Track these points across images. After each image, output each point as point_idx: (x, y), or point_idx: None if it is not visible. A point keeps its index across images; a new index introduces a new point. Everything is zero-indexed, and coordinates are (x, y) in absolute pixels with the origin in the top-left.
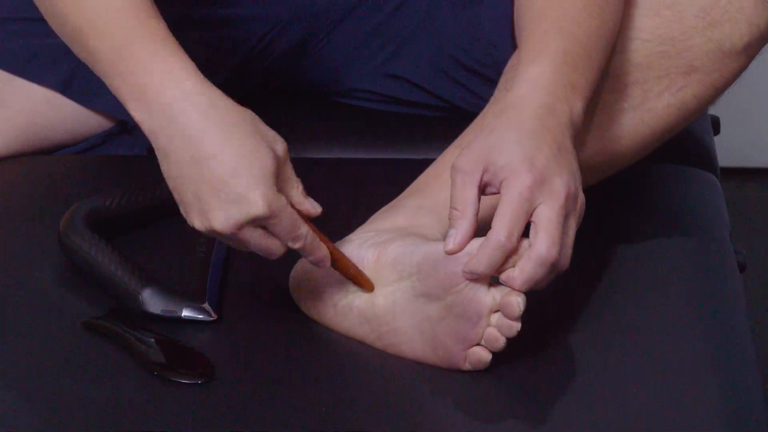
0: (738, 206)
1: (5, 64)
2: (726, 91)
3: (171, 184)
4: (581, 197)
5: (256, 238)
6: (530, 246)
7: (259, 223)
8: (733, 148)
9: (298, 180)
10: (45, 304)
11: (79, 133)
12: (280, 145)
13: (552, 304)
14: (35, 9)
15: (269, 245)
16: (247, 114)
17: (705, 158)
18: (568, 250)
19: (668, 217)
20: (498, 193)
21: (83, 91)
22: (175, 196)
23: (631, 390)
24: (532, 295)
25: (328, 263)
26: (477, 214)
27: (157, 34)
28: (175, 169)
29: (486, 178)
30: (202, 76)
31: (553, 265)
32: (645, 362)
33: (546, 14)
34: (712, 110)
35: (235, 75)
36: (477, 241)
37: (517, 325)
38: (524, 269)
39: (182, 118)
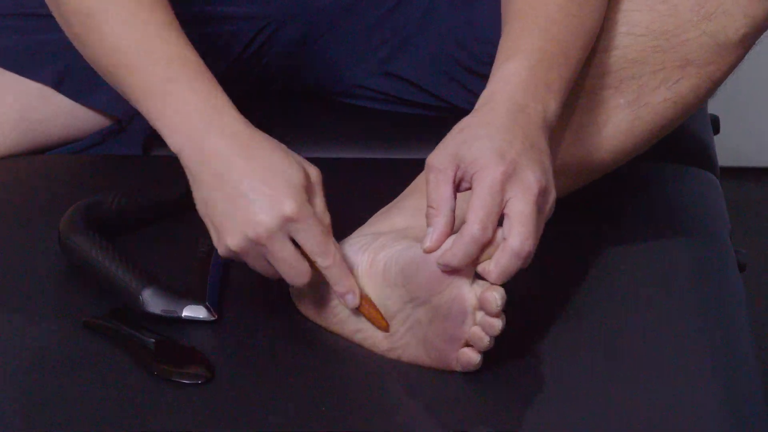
0: (738, 206)
1: None
2: (726, 91)
3: (202, 210)
4: (553, 195)
5: (286, 252)
6: (504, 239)
7: (290, 226)
8: (733, 148)
9: (328, 215)
10: (45, 304)
11: (73, 129)
12: (312, 169)
13: (551, 304)
14: (30, 4)
15: (298, 262)
16: (277, 141)
17: (705, 158)
18: (536, 244)
19: (668, 217)
20: (470, 189)
21: (77, 88)
22: (207, 222)
23: (631, 390)
24: (531, 294)
25: (357, 301)
26: (453, 210)
27: (185, 61)
28: (207, 194)
29: (459, 174)
30: (234, 107)
31: (527, 257)
32: (645, 362)
33: (523, 12)
34: (712, 109)
35: (232, 72)
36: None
37: (498, 323)
38: (499, 262)
39: (211, 141)
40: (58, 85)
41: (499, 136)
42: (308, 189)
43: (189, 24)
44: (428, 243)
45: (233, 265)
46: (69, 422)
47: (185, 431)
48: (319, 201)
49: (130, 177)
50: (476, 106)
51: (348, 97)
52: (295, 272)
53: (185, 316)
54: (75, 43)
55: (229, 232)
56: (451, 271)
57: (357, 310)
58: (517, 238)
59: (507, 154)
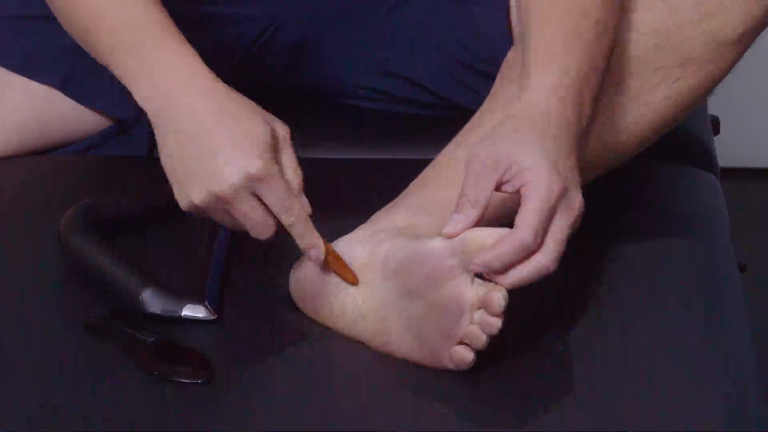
0: (738, 206)
1: (5, 61)
2: (726, 91)
3: (167, 164)
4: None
5: (251, 208)
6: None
7: (255, 185)
8: (733, 148)
9: (299, 171)
10: (45, 304)
11: (77, 131)
12: (280, 127)
13: (550, 304)
14: (36, 7)
15: (262, 218)
16: (248, 100)
17: (705, 158)
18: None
19: (668, 217)
20: (512, 193)
21: (82, 90)
22: (171, 178)
23: (630, 389)
24: (529, 293)
25: (321, 255)
26: (487, 207)
27: (163, 25)
28: (173, 148)
29: (507, 176)
30: (206, 66)
31: (546, 274)
32: (644, 362)
33: (551, 16)
34: (712, 110)
35: (234, 74)
36: (479, 231)
37: (497, 322)
38: (522, 271)
39: (184, 99)
40: (64, 88)
41: (554, 149)
42: (275, 147)
43: (192, 26)
44: (451, 228)
45: (233, 265)
46: (69, 422)
47: (185, 431)
48: (288, 158)
49: (130, 178)
50: (515, 112)
51: (349, 97)
52: (260, 227)
53: (185, 315)
54: (52, 8)
55: (193, 188)
56: (451, 268)
57: (325, 265)
58: (549, 256)
59: (561, 170)
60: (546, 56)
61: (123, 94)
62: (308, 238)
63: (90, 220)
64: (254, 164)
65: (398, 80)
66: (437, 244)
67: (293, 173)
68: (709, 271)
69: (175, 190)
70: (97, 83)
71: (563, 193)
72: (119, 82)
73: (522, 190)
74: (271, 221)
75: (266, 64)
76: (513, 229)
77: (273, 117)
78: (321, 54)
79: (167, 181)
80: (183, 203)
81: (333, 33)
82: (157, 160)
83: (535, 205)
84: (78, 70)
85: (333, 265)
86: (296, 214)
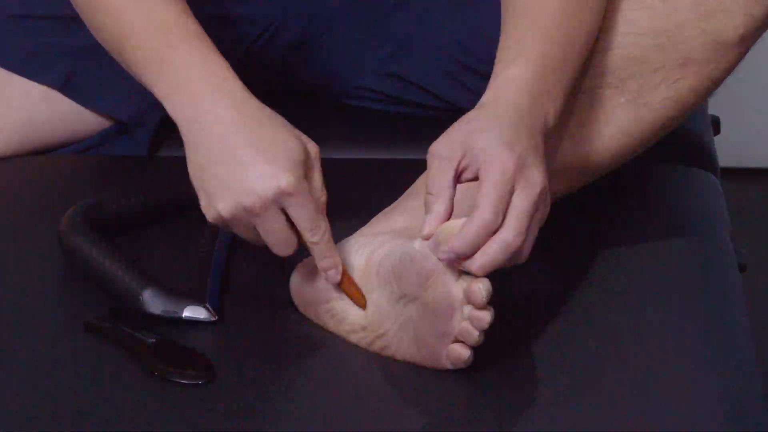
0: (738, 206)
1: (5, 61)
2: (726, 91)
3: (196, 174)
4: (549, 200)
5: (277, 224)
6: (497, 230)
7: (285, 200)
8: (733, 148)
9: (325, 191)
10: (45, 304)
11: (77, 132)
12: (311, 145)
13: (550, 304)
14: (36, 7)
15: (287, 235)
16: (279, 116)
17: (705, 158)
18: (531, 244)
19: (668, 217)
20: (474, 179)
21: (82, 90)
22: (198, 188)
23: (630, 390)
24: (529, 293)
25: (338, 277)
26: (452, 199)
27: (195, 33)
28: (204, 158)
29: (464, 163)
30: (236, 76)
31: (515, 255)
32: (644, 362)
33: (524, 12)
34: (713, 110)
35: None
36: (447, 223)
37: (486, 316)
38: (486, 251)
39: (216, 109)
40: (64, 88)
41: (508, 129)
42: (306, 164)
43: None
44: (426, 230)
45: (233, 266)
46: (69, 422)
47: (185, 431)
48: (317, 176)
49: (131, 178)
50: (478, 105)
51: (349, 98)
52: (283, 244)
53: (186, 316)
54: (83, 17)
55: (222, 198)
56: (435, 267)
57: (338, 287)
58: (511, 231)
59: (516, 147)
60: (513, 53)
61: (123, 94)
62: (330, 258)
63: (90, 220)
64: (287, 179)
65: (398, 80)
66: (418, 245)
67: (320, 192)
68: (709, 270)
69: (201, 200)
70: (97, 83)
71: (520, 169)
72: (119, 83)
73: (479, 173)
74: (294, 238)
75: (266, 64)
76: (474, 212)
77: (303, 134)
78: (321, 54)
79: (168, 182)
80: (209, 214)
81: (333, 33)
82: (157, 160)
83: (490, 183)
84: (78, 70)
85: (345, 286)
86: (322, 233)
